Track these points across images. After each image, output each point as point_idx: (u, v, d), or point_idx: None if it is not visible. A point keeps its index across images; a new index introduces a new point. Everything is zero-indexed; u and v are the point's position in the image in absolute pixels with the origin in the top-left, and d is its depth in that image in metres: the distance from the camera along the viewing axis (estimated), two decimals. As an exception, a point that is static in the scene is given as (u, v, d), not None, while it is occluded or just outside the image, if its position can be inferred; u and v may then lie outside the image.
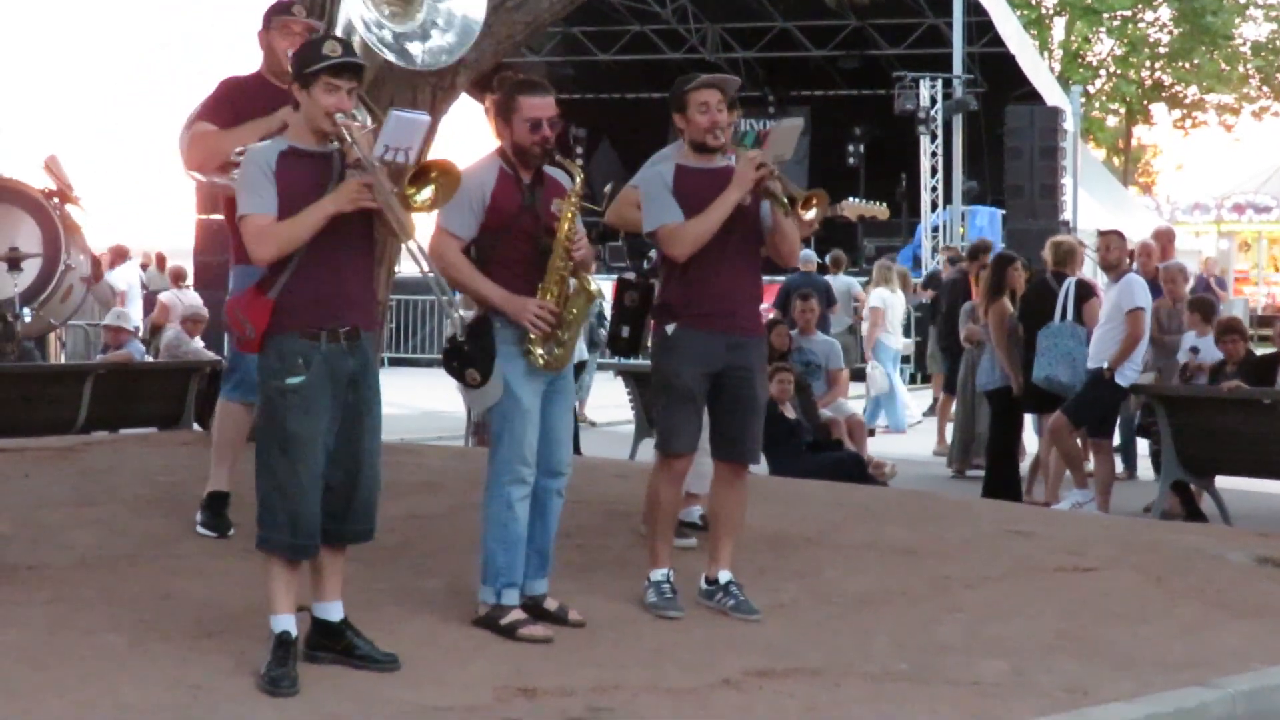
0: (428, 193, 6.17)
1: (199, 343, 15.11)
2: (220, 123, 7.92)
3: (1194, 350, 13.25)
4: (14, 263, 10.05)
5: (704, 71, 8.08)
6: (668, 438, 7.34)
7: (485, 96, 7.15)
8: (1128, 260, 13.11)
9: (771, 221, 7.31)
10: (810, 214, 7.19)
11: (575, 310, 6.97)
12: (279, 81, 8.02)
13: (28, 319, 9.95)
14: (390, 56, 8.01)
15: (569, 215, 6.93)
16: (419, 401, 19.26)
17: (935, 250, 28.47)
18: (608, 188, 7.28)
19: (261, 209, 6.13)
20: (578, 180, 7.05)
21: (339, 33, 7.88)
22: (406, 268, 16.40)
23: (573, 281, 6.99)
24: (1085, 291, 12.83)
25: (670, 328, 7.27)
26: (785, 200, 7.14)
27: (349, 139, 6.15)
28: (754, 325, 7.49)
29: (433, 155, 7.09)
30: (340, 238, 6.15)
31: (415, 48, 8.20)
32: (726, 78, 7.52)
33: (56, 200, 10.11)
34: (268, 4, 8.30)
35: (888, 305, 19.46)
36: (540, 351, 6.82)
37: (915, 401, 20.44)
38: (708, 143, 7.33)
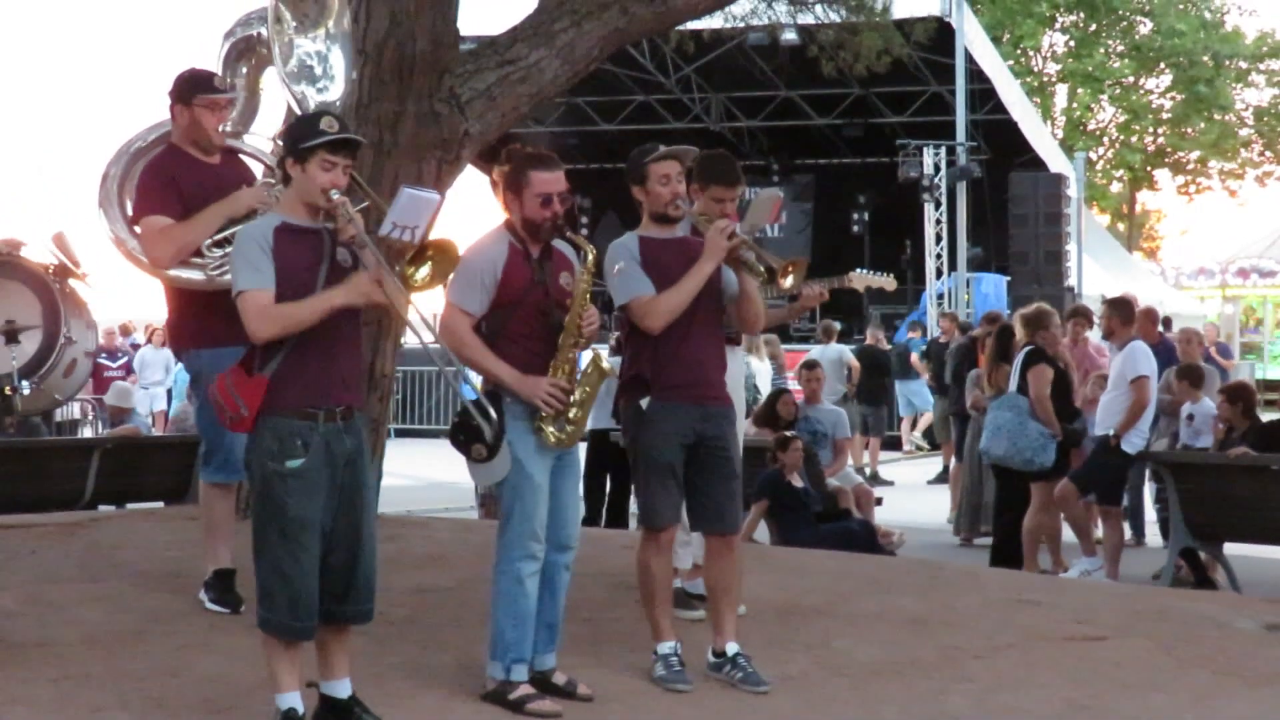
0: (425, 271, 6.16)
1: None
2: (172, 212, 7.87)
3: (1190, 418, 13.28)
4: (10, 335, 10.04)
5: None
6: (650, 512, 7.31)
7: (492, 168, 7.19)
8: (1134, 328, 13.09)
9: (739, 289, 7.32)
10: (789, 281, 7.19)
11: (588, 388, 6.97)
12: (200, 153, 8.06)
13: (26, 391, 9.92)
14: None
15: (582, 293, 6.95)
16: (426, 473, 19.24)
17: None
18: (618, 266, 7.27)
19: (261, 284, 6.06)
20: (589, 258, 7.06)
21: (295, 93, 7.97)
22: (412, 338, 16.44)
23: (586, 358, 7.00)
24: (1033, 358, 12.70)
25: (645, 402, 7.25)
26: (761, 269, 7.15)
27: (346, 215, 6.15)
28: (721, 395, 7.46)
29: (439, 227, 7.11)
30: (333, 316, 6.12)
31: (306, 90, 8.25)
32: (685, 149, 7.54)
33: (60, 277, 10.10)
34: None
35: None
36: (552, 429, 6.82)
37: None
38: (669, 214, 7.34)
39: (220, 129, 8.10)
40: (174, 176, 7.98)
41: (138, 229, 8.00)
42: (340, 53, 8.31)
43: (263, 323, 6.05)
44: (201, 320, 8.01)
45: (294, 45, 8.16)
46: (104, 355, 22.83)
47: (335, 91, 8.27)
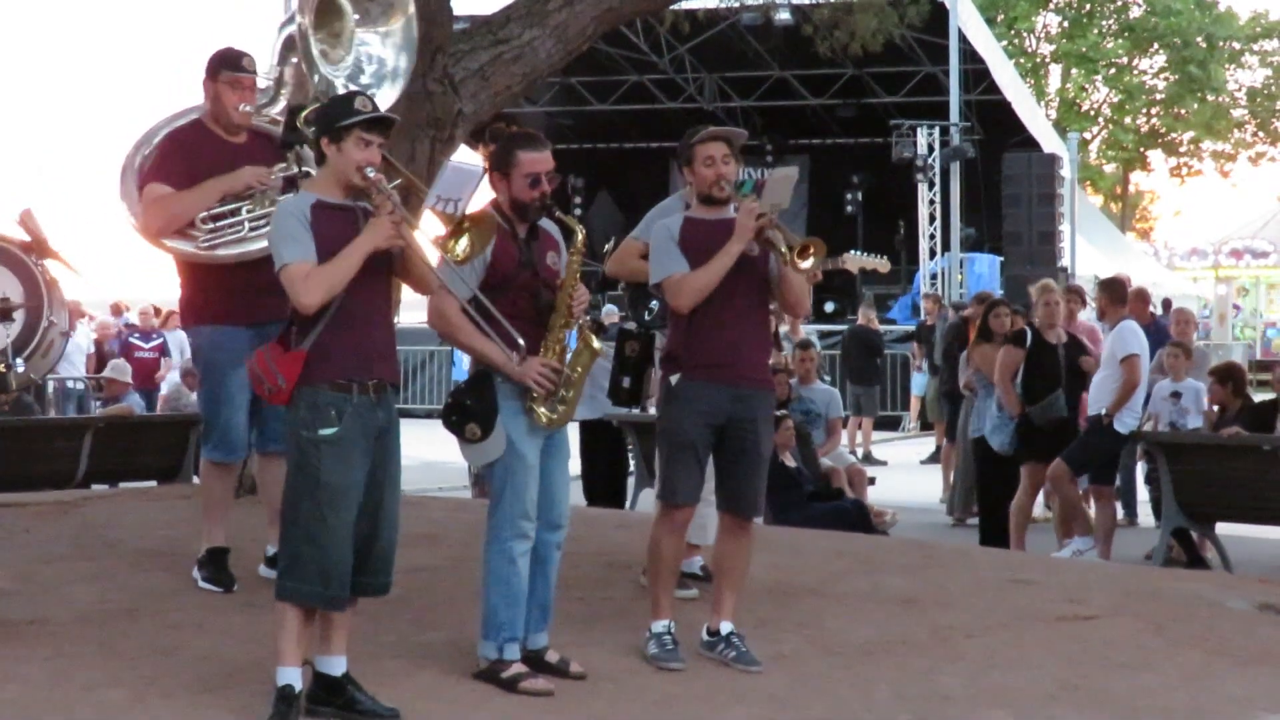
0: (464, 243, 6.19)
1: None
2: (175, 183, 7.88)
3: (1176, 395, 13.28)
4: (4, 314, 9.97)
5: (702, 121, 8.10)
6: (669, 489, 7.33)
7: (480, 147, 7.20)
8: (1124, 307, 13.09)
9: (777, 271, 7.32)
10: (807, 263, 7.18)
11: (579, 368, 6.97)
12: (224, 132, 8.05)
13: (20, 370, 9.88)
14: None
15: (572, 272, 6.95)
16: (419, 452, 19.19)
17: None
18: (608, 245, 7.28)
19: (304, 256, 6.11)
20: (579, 238, 7.05)
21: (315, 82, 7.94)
22: (405, 318, 16.41)
23: (577, 338, 7.00)
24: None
25: (674, 379, 7.27)
26: (784, 249, 7.15)
27: (383, 192, 6.17)
28: (760, 376, 7.44)
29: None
30: (367, 291, 6.20)
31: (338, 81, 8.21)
32: (733, 130, 7.53)
33: (34, 255, 10.02)
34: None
35: None
36: (543, 410, 6.82)
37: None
38: (714, 195, 7.34)
39: (243, 109, 8.06)
40: (190, 150, 8.00)
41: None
42: (404, 58, 8.30)
43: (307, 290, 6.09)
44: (206, 297, 8.03)
45: (354, 40, 8.15)
46: (137, 335, 22.71)
47: (388, 95, 8.25)
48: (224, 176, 7.84)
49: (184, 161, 7.94)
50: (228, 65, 8.06)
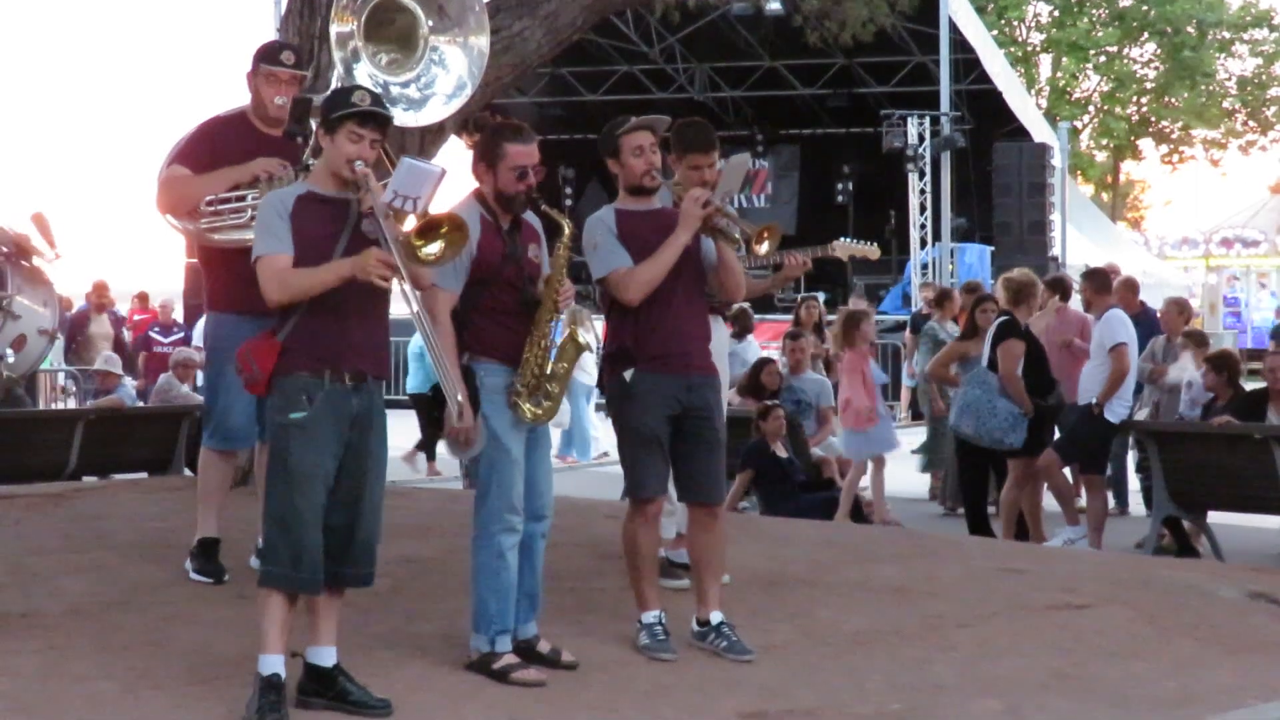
0: (436, 246, 6.15)
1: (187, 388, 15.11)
2: (194, 166, 7.94)
3: (1189, 385, 13.27)
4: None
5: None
6: (637, 483, 7.30)
7: (465, 137, 7.20)
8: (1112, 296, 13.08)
9: (717, 258, 7.30)
10: (764, 247, 7.18)
11: (564, 363, 6.96)
12: (262, 125, 8.06)
13: (11, 360, 9.86)
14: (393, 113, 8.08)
15: (559, 266, 6.92)
16: (409, 443, 19.21)
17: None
18: (595, 242, 7.24)
19: (276, 250, 6.17)
20: (567, 231, 7.02)
21: (335, 82, 7.92)
22: (395, 309, 16.34)
23: (562, 333, 6.98)
24: (1003, 332, 12.37)
25: (628, 374, 7.22)
26: (737, 236, 7.14)
27: (367, 187, 6.17)
28: (706, 363, 7.44)
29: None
30: (347, 286, 6.16)
31: (414, 96, 8.23)
32: (658, 119, 7.53)
33: (10, 249, 9.99)
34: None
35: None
36: (528, 405, 6.80)
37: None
38: (645, 185, 7.32)
39: (278, 102, 8.04)
40: (219, 138, 8.05)
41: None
42: (469, 71, 8.31)
43: (274, 287, 6.16)
44: (214, 284, 8.10)
45: (427, 43, 8.17)
46: (156, 330, 22.65)
47: (432, 111, 8.24)
48: (236, 167, 7.86)
49: (209, 147, 8.01)
50: (265, 59, 8.11)
